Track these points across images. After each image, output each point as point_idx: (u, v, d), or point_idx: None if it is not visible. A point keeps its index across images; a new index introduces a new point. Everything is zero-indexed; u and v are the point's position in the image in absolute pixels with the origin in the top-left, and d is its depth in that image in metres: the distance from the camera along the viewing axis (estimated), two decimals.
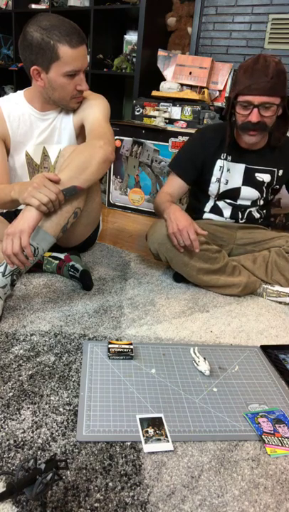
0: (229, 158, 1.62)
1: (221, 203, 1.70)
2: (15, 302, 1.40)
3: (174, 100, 2.50)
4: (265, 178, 1.62)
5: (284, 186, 1.71)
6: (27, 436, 0.88)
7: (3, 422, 0.91)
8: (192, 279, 1.58)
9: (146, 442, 0.88)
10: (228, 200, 1.68)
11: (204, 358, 1.15)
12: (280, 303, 1.57)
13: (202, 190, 1.71)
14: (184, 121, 2.45)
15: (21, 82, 3.47)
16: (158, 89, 2.63)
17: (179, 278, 1.65)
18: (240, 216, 1.70)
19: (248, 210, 1.70)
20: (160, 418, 0.95)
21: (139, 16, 2.70)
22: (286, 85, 1.42)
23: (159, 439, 0.89)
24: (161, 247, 1.53)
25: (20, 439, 0.87)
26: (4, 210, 1.59)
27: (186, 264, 1.53)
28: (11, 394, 0.99)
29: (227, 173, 1.63)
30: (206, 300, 1.55)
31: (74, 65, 1.33)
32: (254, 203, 1.68)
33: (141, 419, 0.94)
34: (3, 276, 1.26)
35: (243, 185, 1.64)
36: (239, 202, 1.68)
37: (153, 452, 0.86)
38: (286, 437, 0.93)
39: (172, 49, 2.89)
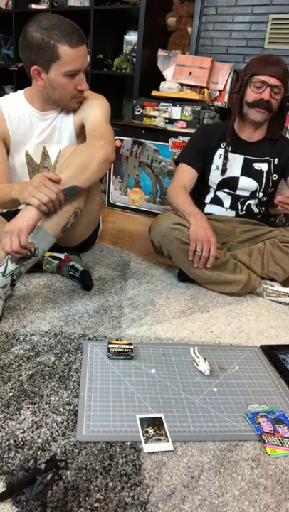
0: (229, 148, 1.70)
1: (220, 193, 1.75)
2: (15, 302, 1.40)
3: (174, 100, 2.50)
4: (263, 167, 1.71)
5: (285, 185, 1.74)
6: (27, 436, 0.88)
7: (3, 422, 0.91)
8: (193, 275, 1.58)
9: (146, 442, 0.88)
10: (227, 190, 1.73)
11: (204, 358, 1.15)
12: (280, 303, 1.57)
13: (203, 181, 1.76)
14: (184, 121, 2.45)
15: (21, 82, 3.47)
16: (158, 89, 2.63)
17: (183, 277, 1.65)
18: (239, 207, 1.75)
19: (247, 203, 1.74)
20: (160, 418, 0.95)
21: (139, 16, 2.70)
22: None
23: (159, 439, 0.89)
24: (164, 239, 1.54)
25: (20, 439, 0.87)
26: (4, 210, 1.59)
27: (188, 258, 1.54)
28: (11, 394, 0.99)
29: (227, 162, 1.70)
30: (206, 300, 1.54)
31: (74, 64, 1.33)
32: (253, 194, 1.73)
33: (141, 419, 0.94)
34: (3, 276, 1.25)
35: (241, 175, 1.71)
36: (238, 192, 1.73)
37: (153, 452, 0.86)
38: (286, 437, 0.93)
39: (172, 49, 2.89)
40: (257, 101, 1.58)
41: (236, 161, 1.70)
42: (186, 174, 1.72)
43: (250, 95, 1.59)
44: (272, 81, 1.54)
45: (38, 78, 1.38)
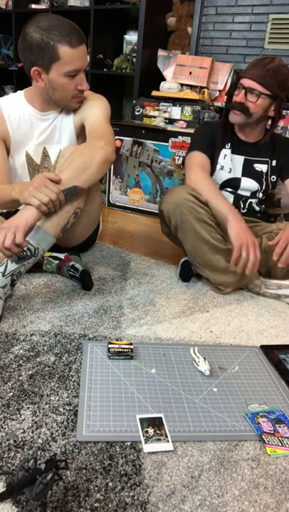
0: (231, 150, 1.72)
1: (223, 192, 1.75)
2: (15, 302, 1.40)
3: (174, 100, 2.50)
4: (263, 168, 1.72)
5: (284, 187, 1.74)
6: (27, 436, 0.88)
7: (3, 422, 0.91)
8: (195, 252, 1.54)
9: (146, 442, 0.88)
10: (230, 189, 1.75)
11: (204, 358, 1.15)
12: (280, 296, 1.56)
13: None
14: (184, 121, 2.45)
15: (21, 82, 3.47)
16: (158, 89, 2.63)
17: (185, 277, 1.65)
18: (241, 206, 1.76)
19: (248, 201, 1.76)
20: (160, 418, 0.95)
21: (139, 16, 2.70)
22: (282, 87, 1.53)
23: (159, 439, 0.89)
24: (177, 208, 1.51)
25: (20, 439, 0.87)
26: (4, 210, 1.59)
27: (197, 232, 1.51)
28: (11, 394, 0.99)
29: (230, 162, 1.72)
30: (206, 300, 1.55)
31: (74, 64, 1.34)
32: (253, 194, 1.75)
33: (141, 419, 0.94)
34: (3, 276, 1.26)
35: (242, 176, 1.72)
36: (240, 192, 1.74)
37: (153, 452, 0.87)
38: (286, 437, 0.93)
39: (172, 49, 2.89)
40: (232, 102, 1.57)
41: (237, 162, 1.71)
42: (200, 158, 1.66)
43: (233, 98, 1.59)
44: (248, 83, 1.52)
45: (38, 79, 1.38)
